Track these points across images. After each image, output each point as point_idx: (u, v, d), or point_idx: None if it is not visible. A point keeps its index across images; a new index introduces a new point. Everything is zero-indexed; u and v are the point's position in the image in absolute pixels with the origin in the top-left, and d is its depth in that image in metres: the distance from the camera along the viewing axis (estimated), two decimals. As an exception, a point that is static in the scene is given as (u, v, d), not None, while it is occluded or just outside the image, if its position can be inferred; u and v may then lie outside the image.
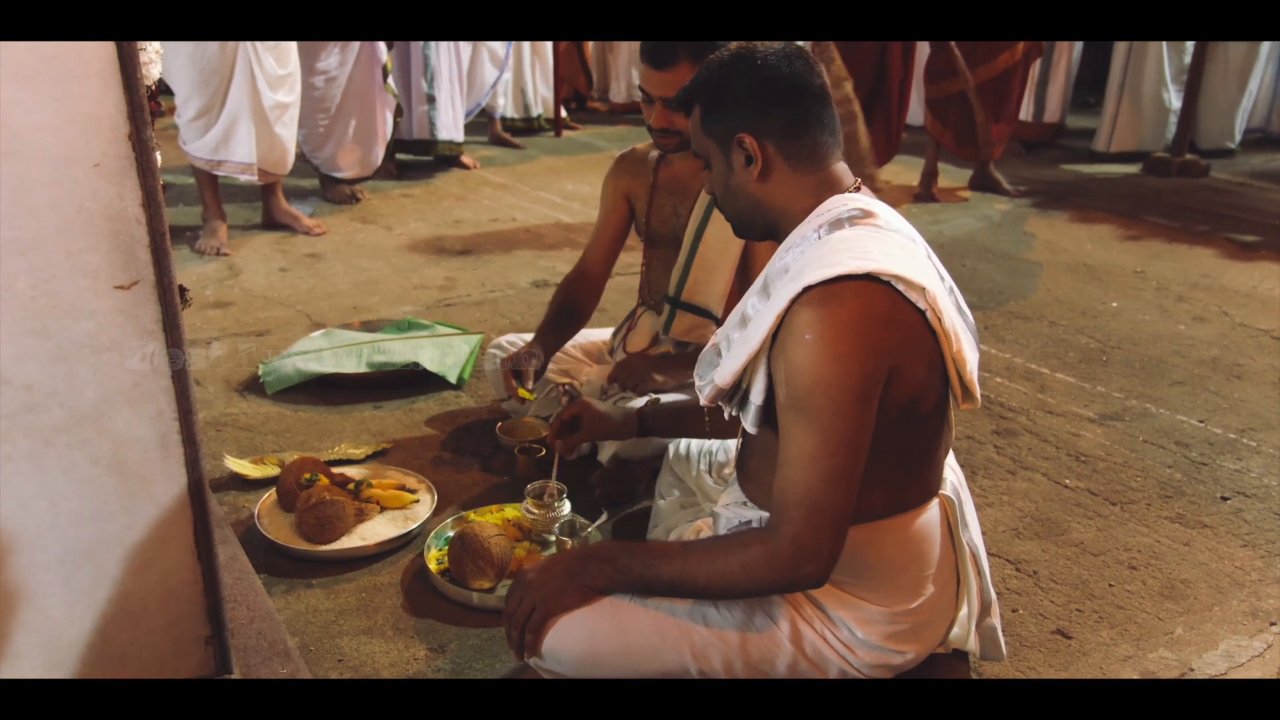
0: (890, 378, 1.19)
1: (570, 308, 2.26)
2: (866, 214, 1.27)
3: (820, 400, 1.15)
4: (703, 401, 1.36)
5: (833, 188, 1.32)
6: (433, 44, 4.87)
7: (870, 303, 1.17)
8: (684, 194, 2.17)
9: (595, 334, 2.47)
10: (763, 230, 1.38)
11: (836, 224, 1.26)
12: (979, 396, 1.31)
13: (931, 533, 1.33)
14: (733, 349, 1.29)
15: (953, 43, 4.63)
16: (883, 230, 1.25)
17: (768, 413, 1.26)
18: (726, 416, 1.35)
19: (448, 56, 4.97)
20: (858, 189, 1.32)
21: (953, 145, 4.88)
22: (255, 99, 3.64)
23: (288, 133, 3.81)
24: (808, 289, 1.17)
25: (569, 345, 2.38)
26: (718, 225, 2.11)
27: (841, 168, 1.34)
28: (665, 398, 2.07)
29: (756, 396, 1.25)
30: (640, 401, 2.06)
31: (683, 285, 2.16)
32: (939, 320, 1.22)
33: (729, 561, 1.23)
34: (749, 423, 1.28)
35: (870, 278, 1.17)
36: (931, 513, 1.33)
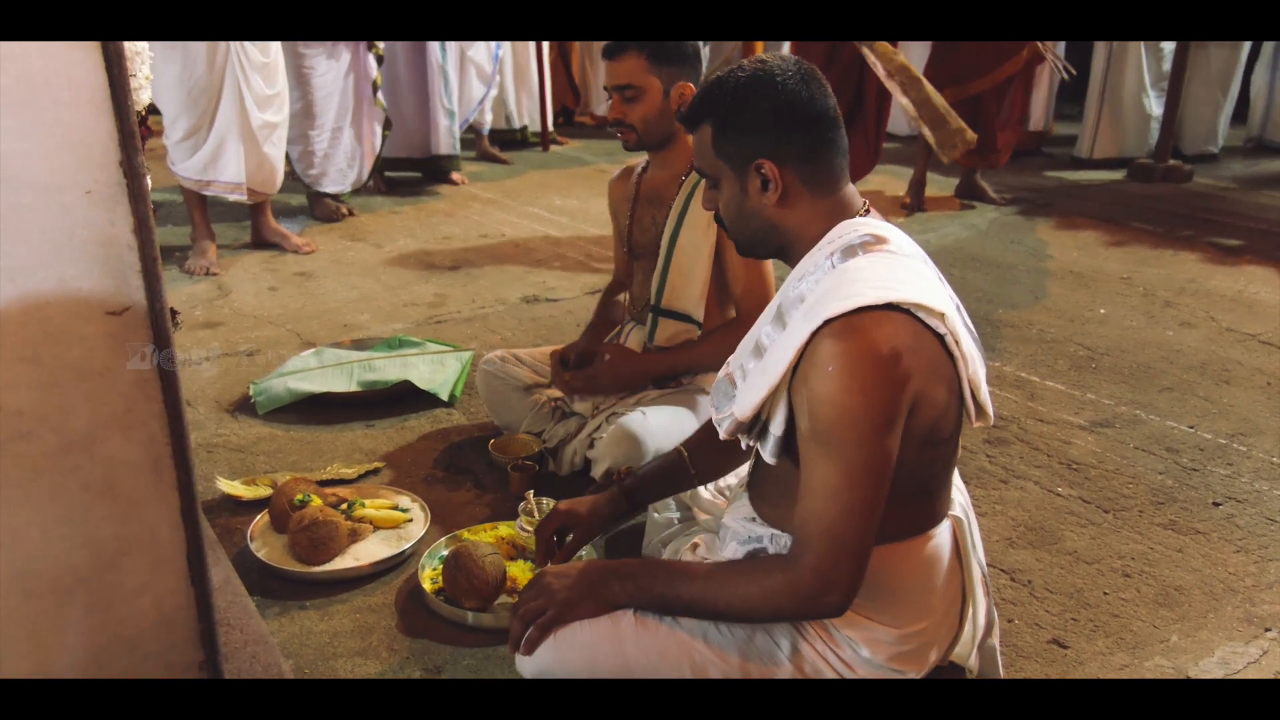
0: (914, 406, 1.19)
1: (612, 309, 2.44)
2: (879, 239, 1.26)
3: (844, 433, 1.15)
4: (722, 435, 1.34)
5: (845, 211, 1.31)
6: (437, 60, 4.94)
7: (893, 333, 1.16)
8: (660, 202, 2.19)
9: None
10: (772, 251, 1.38)
11: (849, 251, 1.25)
12: (991, 414, 1.31)
13: (943, 554, 1.33)
14: (750, 380, 1.28)
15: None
16: (896, 256, 1.25)
17: (787, 443, 1.25)
18: (744, 447, 1.34)
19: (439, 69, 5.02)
20: (867, 212, 1.32)
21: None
22: (243, 118, 3.64)
23: (276, 152, 3.82)
24: (828, 321, 1.16)
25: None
26: (690, 231, 2.12)
27: (851, 190, 1.34)
28: (652, 410, 2.07)
29: (776, 428, 1.25)
30: (630, 414, 2.06)
31: (661, 293, 2.17)
32: (957, 344, 1.22)
33: (751, 588, 1.23)
34: (768, 454, 1.27)
35: (891, 307, 1.17)
36: (943, 534, 1.34)
